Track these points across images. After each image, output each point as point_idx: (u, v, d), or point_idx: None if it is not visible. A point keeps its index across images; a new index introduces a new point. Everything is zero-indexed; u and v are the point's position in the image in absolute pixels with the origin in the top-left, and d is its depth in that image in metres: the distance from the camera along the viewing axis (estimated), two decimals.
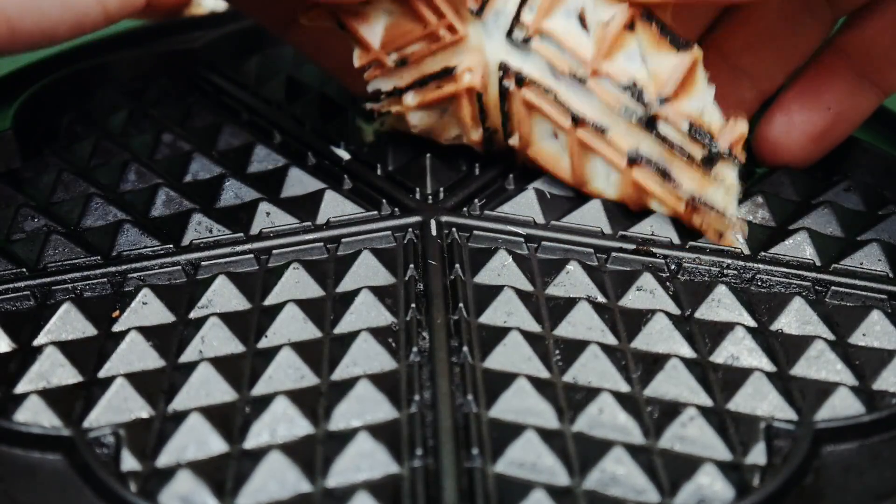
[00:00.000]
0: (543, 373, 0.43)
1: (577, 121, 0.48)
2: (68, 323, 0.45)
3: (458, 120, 0.51)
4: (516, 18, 0.48)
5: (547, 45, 0.48)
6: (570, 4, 0.47)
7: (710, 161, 0.46)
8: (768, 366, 0.44)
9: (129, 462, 0.40)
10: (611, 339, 0.45)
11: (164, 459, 0.40)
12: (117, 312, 0.46)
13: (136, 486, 0.39)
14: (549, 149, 0.50)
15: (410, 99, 0.51)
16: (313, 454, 0.40)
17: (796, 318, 0.46)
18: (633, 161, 0.48)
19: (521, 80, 0.48)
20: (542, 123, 0.49)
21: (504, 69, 0.48)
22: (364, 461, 0.39)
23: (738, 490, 0.39)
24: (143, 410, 0.42)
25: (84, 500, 0.39)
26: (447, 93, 0.50)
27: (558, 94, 0.48)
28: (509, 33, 0.48)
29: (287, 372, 0.43)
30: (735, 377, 0.43)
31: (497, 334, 0.44)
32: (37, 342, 0.45)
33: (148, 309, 0.46)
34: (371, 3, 0.49)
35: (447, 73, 0.49)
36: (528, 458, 0.40)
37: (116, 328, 0.46)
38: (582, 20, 0.47)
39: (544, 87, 0.48)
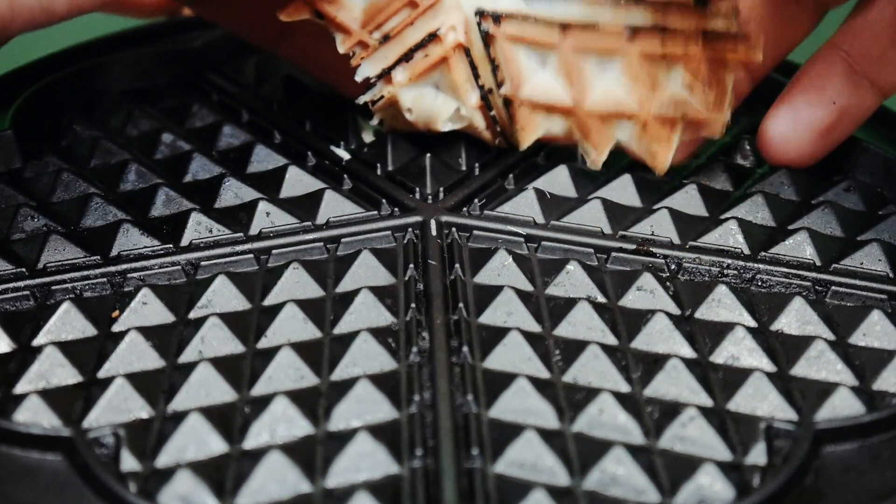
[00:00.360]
0: (543, 373, 0.43)
1: (565, 28, 0.48)
2: (68, 323, 0.45)
3: (452, 88, 0.50)
4: None
5: None
6: None
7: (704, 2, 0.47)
8: (768, 366, 0.44)
9: (128, 462, 0.40)
10: (611, 339, 0.45)
11: (163, 459, 0.40)
12: (117, 312, 0.46)
13: (136, 487, 0.39)
14: (542, 80, 0.49)
15: (400, 75, 0.50)
16: (313, 454, 0.40)
17: (796, 318, 0.46)
18: (633, 33, 0.48)
19: (497, 18, 0.48)
20: (529, 55, 0.49)
21: (480, 14, 0.49)
22: (364, 461, 0.39)
23: (738, 490, 0.39)
24: (142, 410, 0.42)
25: (84, 500, 0.39)
26: (436, 58, 0.50)
27: (537, 16, 0.48)
28: None
29: (287, 372, 0.43)
30: (735, 377, 0.43)
31: (497, 334, 0.44)
32: (37, 342, 0.45)
33: (148, 309, 0.46)
34: None
35: (431, 38, 0.49)
36: (528, 458, 0.40)
37: (116, 328, 0.46)
38: None
39: (521, 15, 0.48)
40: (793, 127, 0.51)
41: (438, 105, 0.51)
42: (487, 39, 0.49)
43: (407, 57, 0.50)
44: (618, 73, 0.48)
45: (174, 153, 0.55)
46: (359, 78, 0.51)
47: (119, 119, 0.58)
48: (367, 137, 0.55)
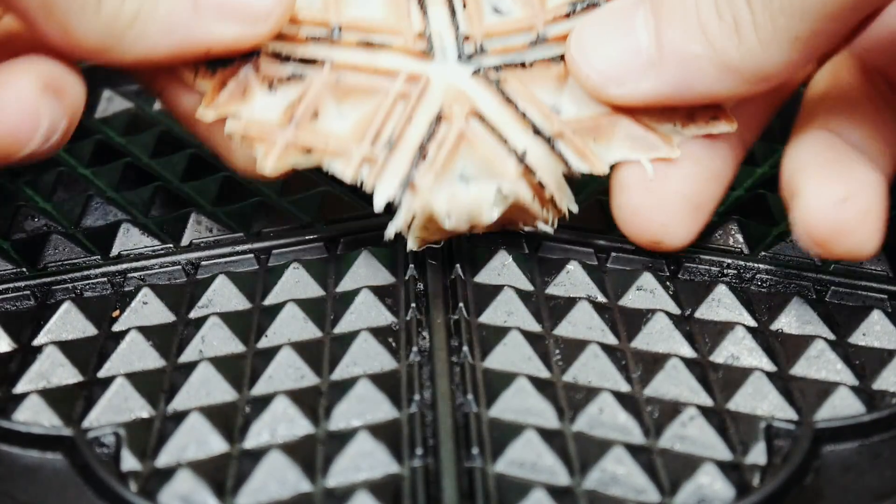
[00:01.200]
0: (543, 372, 0.43)
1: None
2: (68, 322, 0.46)
3: (485, 166, 0.44)
4: (457, 34, 0.45)
5: (492, 41, 0.45)
6: (487, 2, 0.46)
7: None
8: (768, 365, 0.44)
9: (129, 462, 0.40)
10: (611, 339, 0.45)
11: (164, 459, 0.40)
12: (117, 312, 0.46)
13: (137, 486, 0.39)
14: (574, 95, 0.45)
15: (424, 178, 0.43)
16: (313, 454, 0.40)
17: (796, 318, 0.46)
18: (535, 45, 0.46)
19: (500, 69, 0.45)
20: (543, 90, 0.45)
21: (478, 70, 0.45)
22: (364, 461, 0.39)
23: (738, 490, 0.39)
24: (143, 410, 0.42)
25: (84, 499, 0.39)
26: (453, 140, 0.43)
27: (534, 60, 0.45)
28: (460, 51, 0.45)
29: (287, 371, 0.43)
30: (735, 377, 0.43)
31: (497, 334, 0.44)
32: (37, 342, 0.45)
33: (148, 308, 0.46)
34: (315, 101, 0.44)
35: (438, 122, 0.44)
36: (528, 457, 0.40)
37: (116, 328, 0.46)
38: (497, 9, 0.46)
39: (518, 47, 0.45)
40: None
41: (477, 194, 0.44)
42: (500, 84, 0.45)
43: (421, 154, 0.43)
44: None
45: (175, 152, 0.55)
46: (380, 203, 0.43)
47: (120, 119, 0.58)
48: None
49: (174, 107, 0.46)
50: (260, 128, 0.43)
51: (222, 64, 0.44)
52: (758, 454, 0.41)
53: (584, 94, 0.45)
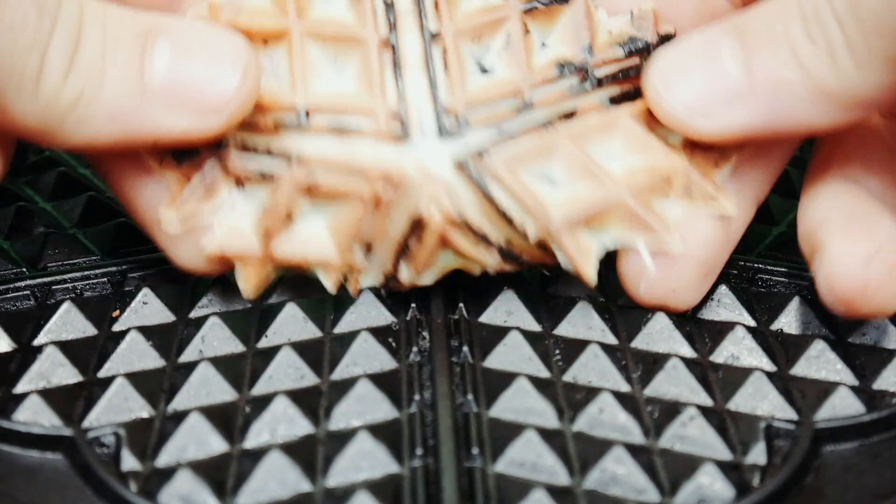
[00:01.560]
0: (543, 372, 0.43)
1: (559, 120, 0.43)
2: (68, 322, 0.46)
3: (467, 259, 0.44)
4: (437, 106, 0.42)
5: (476, 110, 0.42)
6: (469, 52, 0.43)
7: (647, 51, 0.44)
8: (768, 365, 0.44)
9: (129, 462, 0.40)
10: (611, 339, 0.45)
11: (164, 459, 0.40)
12: (117, 312, 0.46)
13: (137, 486, 0.39)
14: (564, 192, 0.43)
15: (406, 273, 0.44)
16: (313, 454, 0.40)
17: (796, 318, 0.46)
18: (615, 100, 0.44)
19: (484, 154, 0.42)
20: (538, 174, 0.43)
21: (461, 164, 0.42)
22: (364, 461, 0.39)
23: (738, 490, 0.39)
24: (143, 410, 0.42)
25: (84, 499, 0.39)
26: (433, 242, 0.42)
27: (520, 129, 0.42)
28: (440, 127, 0.42)
29: (287, 371, 0.43)
30: (735, 377, 0.43)
31: (497, 334, 0.44)
32: (37, 342, 0.45)
33: (148, 308, 0.46)
34: (288, 204, 0.42)
35: (417, 225, 0.42)
36: (528, 457, 0.40)
37: (116, 328, 0.46)
38: (481, 65, 0.44)
39: (507, 135, 0.42)
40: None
41: (461, 262, 0.44)
42: (484, 183, 0.42)
43: (402, 254, 0.43)
44: (625, 147, 0.44)
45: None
46: (359, 288, 0.44)
47: None
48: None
49: (122, 192, 0.43)
50: (236, 246, 0.42)
51: (188, 154, 0.41)
52: (758, 454, 0.41)
53: (575, 161, 0.42)
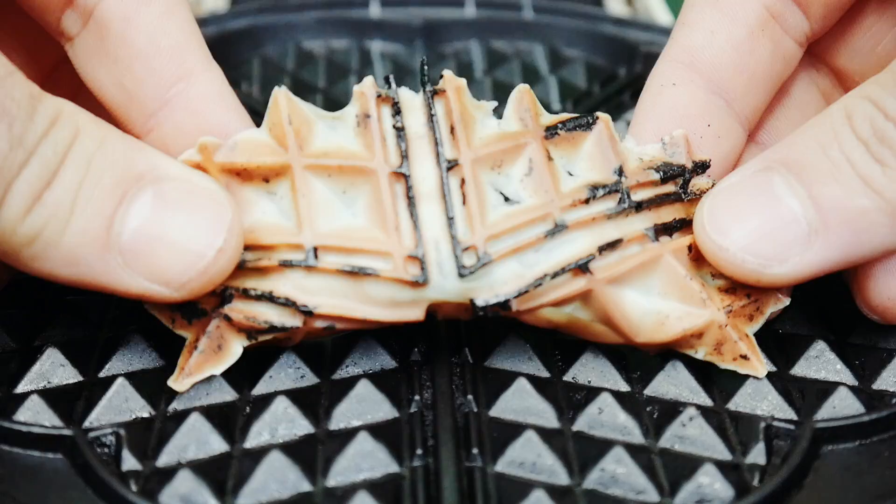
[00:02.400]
0: (543, 372, 0.43)
1: (589, 266, 0.41)
2: (69, 323, 0.46)
3: None
4: (454, 243, 0.39)
5: (499, 240, 0.40)
6: (488, 181, 0.41)
7: (686, 185, 0.43)
8: (768, 365, 0.44)
9: (129, 462, 0.40)
10: None
11: (164, 459, 0.40)
12: (117, 312, 0.46)
13: (137, 486, 0.39)
14: (583, 320, 0.42)
15: None
16: (314, 454, 0.40)
17: (796, 318, 0.46)
18: (656, 233, 0.42)
19: (506, 305, 0.40)
20: (556, 312, 0.41)
21: (484, 309, 0.40)
22: (364, 461, 0.39)
23: (738, 490, 0.39)
24: (143, 410, 0.42)
25: (85, 499, 0.39)
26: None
27: (548, 271, 0.40)
28: (459, 268, 0.39)
29: (287, 371, 0.43)
30: (735, 377, 0.43)
31: (497, 334, 0.44)
32: (37, 342, 0.45)
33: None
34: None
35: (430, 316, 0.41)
36: (528, 457, 0.40)
37: (117, 328, 0.46)
38: (503, 194, 0.41)
39: (534, 281, 0.40)
40: None
41: None
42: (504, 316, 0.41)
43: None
44: (660, 286, 0.42)
45: None
46: None
47: None
48: None
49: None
50: None
51: (196, 313, 0.41)
52: (757, 454, 0.41)
53: (603, 305, 0.41)
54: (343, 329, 0.41)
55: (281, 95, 0.41)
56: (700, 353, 0.43)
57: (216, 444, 0.40)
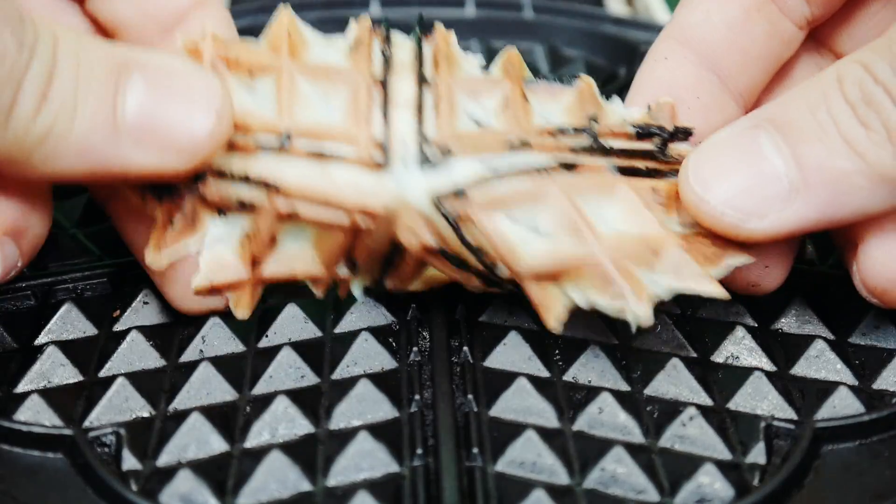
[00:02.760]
0: (543, 372, 0.43)
1: (547, 171, 0.41)
2: (69, 322, 0.46)
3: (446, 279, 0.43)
4: (421, 144, 0.40)
5: (464, 143, 0.41)
6: (463, 105, 0.42)
7: (664, 147, 0.43)
8: (768, 365, 0.44)
9: (129, 461, 0.40)
10: (611, 339, 0.45)
11: (164, 459, 0.40)
12: (118, 312, 0.46)
13: (137, 486, 0.39)
14: (540, 243, 0.41)
15: (390, 283, 0.43)
16: (314, 453, 0.40)
17: (796, 318, 0.46)
18: (618, 171, 0.42)
19: (461, 192, 0.40)
20: (515, 220, 0.41)
21: (437, 199, 0.40)
22: (364, 460, 0.39)
23: (738, 489, 0.39)
24: (143, 410, 0.42)
25: (85, 499, 0.39)
26: (411, 267, 0.42)
27: (508, 171, 0.41)
28: (422, 155, 0.40)
29: (287, 371, 0.43)
30: (735, 377, 0.43)
31: (497, 334, 0.44)
32: (37, 342, 0.45)
33: (149, 308, 0.46)
34: (272, 229, 0.41)
35: (398, 251, 0.41)
36: (528, 457, 0.40)
37: (117, 328, 0.46)
38: (476, 121, 0.42)
39: (489, 176, 0.40)
40: None
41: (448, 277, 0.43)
42: (458, 223, 0.40)
43: (384, 273, 0.43)
44: (620, 212, 0.42)
45: None
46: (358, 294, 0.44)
47: None
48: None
49: (123, 231, 0.44)
50: (223, 276, 0.41)
51: (167, 190, 0.41)
52: (758, 454, 0.41)
53: (563, 214, 0.41)
54: (309, 219, 0.41)
55: (285, 12, 0.42)
56: (658, 276, 0.41)
57: (216, 444, 0.40)
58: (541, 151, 0.41)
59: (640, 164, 0.42)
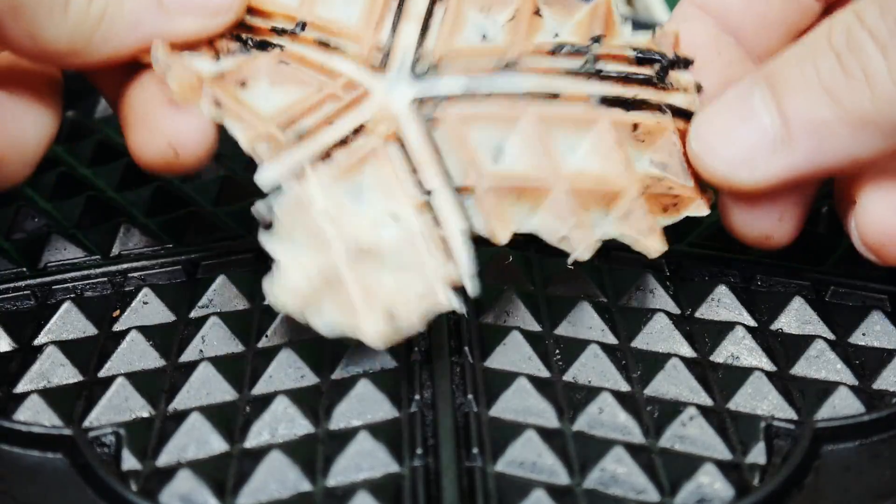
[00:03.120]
0: (543, 372, 0.43)
1: (525, 98, 0.42)
2: (69, 322, 0.46)
3: (382, 188, 0.41)
4: (418, 50, 0.43)
5: (456, 61, 0.43)
6: (472, 19, 0.44)
7: (663, 74, 0.44)
8: (768, 365, 0.44)
9: (129, 461, 0.40)
10: (611, 339, 0.45)
11: (164, 459, 0.40)
12: (118, 312, 0.46)
13: (137, 486, 0.39)
14: (505, 160, 0.42)
15: (317, 176, 0.41)
16: (314, 453, 0.40)
17: (796, 318, 0.46)
18: (601, 102, 0.43)
19: (442, 100, 0.42)
20: (486, 135, 0.42)
21: (419, 100, 0.42)
22: (364, 460, 0.39)
23: (738, 489, 0.39)
24: (143, 410, 0.42)
25: (85, 499, 0.39)
26: (362, 153, 0.41)
27: (490, 91, 0.42)
28: (414, 67, 0.42)
29: (287, 371, 0.43)
30: (735, 377, 0.43)
31: (497, 334, 0.44)
32: (37, 342, 0.45)
33: (148, 308, 0.46)
34: (249, 73, 0.43)
35: (357, 132, 0.42)
36: (528, 457, 0.40)
37: (117, 328, 0.46)
38: (484, 35, 0.44)
39: (471, 93, 0.42)
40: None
41: (361, 210, 0.41)
42: (430, 124, 0.42)
43: (326, 155, 0.41)
44: (590, 148, 0.43)
45: None
46: (263, 184, 0.41)
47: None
48: None
49: (109, 89, 0.46)
50: (182, 65, 0.42)
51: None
52: (758, 454, 0.41)
53: (531, 142, 0.42)
54: (291, 73, 0.43)
55: None
56: (608, 221, 0.42)
57: (216, 444, 0.40)
58: (530, 73, 0.43)
59: (632, 91, 0.43)
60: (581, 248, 0.42)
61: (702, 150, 0.42)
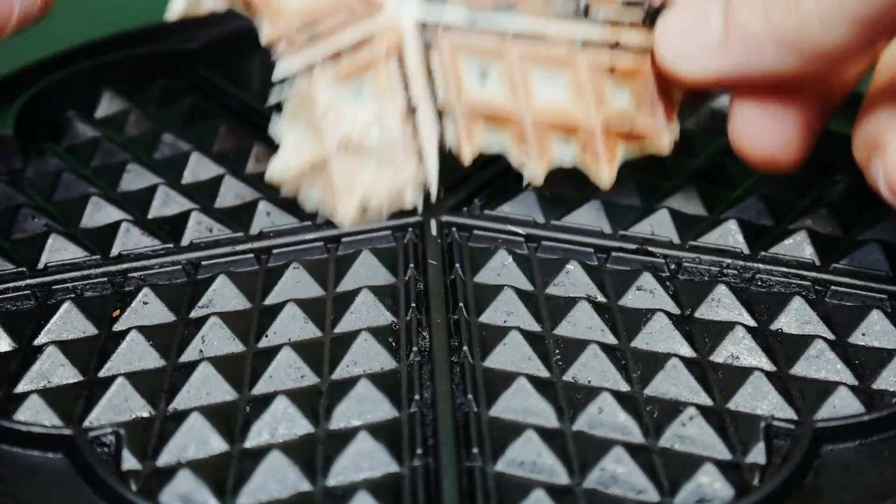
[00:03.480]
0: (543, 372, 0.43)
1: (514, 37, 0.46)
2: (69, 322, 0.46)
3: (377, 94, 0.46)
4: None
5: None
6: None
7: (653, 17, 0.46)
8: (768, 365, 0.44)
9: (129, 461, 0.40)
10: (611, 339, 0.45)
11: (164, 459, 0.40)
12: (118, 312, 0.46)
13: (137, 486, 0.39)
14: (483, 88, 0.46)
15: (323, 74, 0.45)
16: (314, 453, 0.40)
17: (796, 318, 0.46)
18: (583, 45, 0.46)
19: (439, 27, 0.46)
20: (471, 64, 0.46)
21: (422, 24, 0.46)
22: (364, 460, 0.39)
23: (738, 489, 0.39)
24: (143, 410, 0.42)
25: (85, 499, 0.39)
26: (365, 61, 0.45)
27: (484, 26, 0.46)
28: None
29: (287, 371, 0.43)
30: (735, 377, 0.43)
31: (497, 334, 0.44)
32: (37, 342, 0.45)
33: (148, 308, 0.46)
34: None
35: (363, 43, 0.45)
36: (528, 457, 0.40)
37: (117, 328, 0.46)
38: None
39: (467, 25, 0.46)
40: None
41: (356, 110, 0.46)
42: (427, 48, 0.46)
43: (334, 57, 0.45)
44: (564, 86, 0.46)
45: (174, 153, 0.55)
46: (278, 75, 0.45)
47: (119, 119, 0.58)
48: None
49: None
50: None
51: None
52: (757, 454, 0.41)
53: (509, 73, 0.46)
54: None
55: None
56: (568, 148, 0.46)
57: (216, 444, 0.40)
58: (524, 14, 0.46)
59: (618, 33, 0.46)
60: (536, 174, 0.46)
61: (661, 39, 0.46)
